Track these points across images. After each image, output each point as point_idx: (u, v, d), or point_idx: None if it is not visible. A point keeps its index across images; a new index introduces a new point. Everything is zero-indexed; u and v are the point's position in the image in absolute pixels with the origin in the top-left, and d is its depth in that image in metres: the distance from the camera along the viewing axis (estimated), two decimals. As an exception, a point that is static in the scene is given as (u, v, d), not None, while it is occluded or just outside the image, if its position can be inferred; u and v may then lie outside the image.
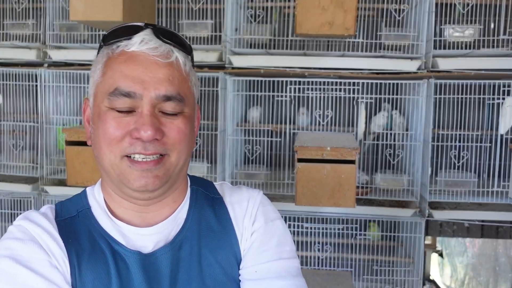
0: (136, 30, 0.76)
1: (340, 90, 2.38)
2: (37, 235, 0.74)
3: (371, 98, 2.48)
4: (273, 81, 2.52)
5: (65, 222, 0.78)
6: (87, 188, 0.84)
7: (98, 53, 0.80)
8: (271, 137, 2.84)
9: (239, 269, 0.82)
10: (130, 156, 0.73)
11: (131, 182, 0.74)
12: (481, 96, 2.46)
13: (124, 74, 0.73)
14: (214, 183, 0.91)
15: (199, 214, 0.83)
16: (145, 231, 0.79)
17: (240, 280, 0.82)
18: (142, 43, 0.74)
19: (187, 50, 0.80)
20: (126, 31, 0.76)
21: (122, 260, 0.76)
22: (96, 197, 0.82)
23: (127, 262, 0.76)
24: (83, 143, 1.90)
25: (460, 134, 2.44)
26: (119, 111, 0.73)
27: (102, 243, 0.77)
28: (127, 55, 0.74)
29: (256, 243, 0.81)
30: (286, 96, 2.46)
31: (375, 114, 2.66)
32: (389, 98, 2.60)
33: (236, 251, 0.82)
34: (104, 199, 0.81)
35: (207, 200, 0.86)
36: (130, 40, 0.75)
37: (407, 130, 2.58)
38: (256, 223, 0.83)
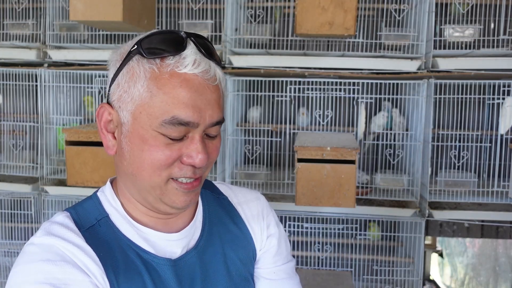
0: (180, 42, 0.70)
1: (340, 90, 2.38)
2: (69, 252, 0.68)
3: (371, 98, 2.48)
4: (273, 81, 2.52)
5: (89, 232, 0.73)
6: (98, 194, 0.80)
7: (128, 59, 0.71)
8: (271, 137, 2.84)
9: (253, 266, 0.89)
10: (173, 177, 0.72)
11: (176, 202, 0.73)
12: (481, 96, 2.46)
13: (182, 101, 0.68)
14: (213, 182, 0.93)
15: (215, 216, 0.86)
16: (173, 236, 0.78)
17: (254, 275, 0.89)
18: (195, 64, 0.69)
19: (221, 64, 0.76)
20: (169, 44, 0.69)
21: (153, 269, 0.74)
22: (112, 204, 0.78)
23: (159, 270, 0.75)
24: (83, 143, 1.90)
25: (460, 134, 2.43)
26: (170, 137, 0.69)
27: (131, 253, 0.74)
28: (180, 77, 0.68)
29: (274, 248, 0.90)
30: (286, 96, 2.46)
31: (375, 114, 2.66)
32: (389, 98, 2.60)
33: (253, 249, 0.88)
34: (122, 206, 0.78)
35: (216, 201, 0.88)
36: (180, 59, 0.69)
37: (407, 130, 2.58)
38: (270, 227, 0.91)
